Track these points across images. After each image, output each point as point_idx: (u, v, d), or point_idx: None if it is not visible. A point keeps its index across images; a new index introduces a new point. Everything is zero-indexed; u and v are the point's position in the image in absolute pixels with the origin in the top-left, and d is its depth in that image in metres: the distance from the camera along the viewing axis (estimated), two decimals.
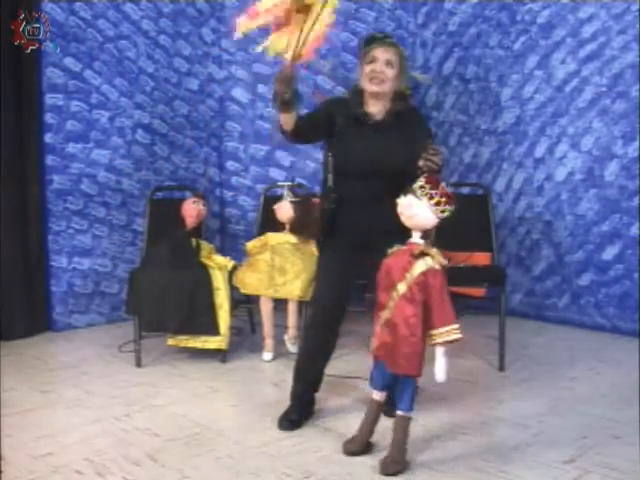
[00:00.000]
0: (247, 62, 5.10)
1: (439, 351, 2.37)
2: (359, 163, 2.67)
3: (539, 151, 4.60)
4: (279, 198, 3.94)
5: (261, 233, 4.06)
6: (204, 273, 3.67)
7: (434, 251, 2.36)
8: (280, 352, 3.82)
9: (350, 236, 2.70)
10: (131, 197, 4.67)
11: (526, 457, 2.50)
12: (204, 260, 3.81)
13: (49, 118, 4.29)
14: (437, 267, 2.35)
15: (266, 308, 3.81)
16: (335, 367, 3.48)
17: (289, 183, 4.16)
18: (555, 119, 4.49)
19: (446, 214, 2.34)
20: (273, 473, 2.39)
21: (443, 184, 2.35)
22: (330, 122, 2.76)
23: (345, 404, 3.07)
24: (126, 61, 4.61)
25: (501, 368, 3.53)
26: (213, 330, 3.61)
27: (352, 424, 2.81)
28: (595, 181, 4.32)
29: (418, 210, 2.33)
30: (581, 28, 4.33)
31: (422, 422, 2.83)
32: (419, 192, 2.32)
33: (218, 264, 3.78)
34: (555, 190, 4.52)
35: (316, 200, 4.44)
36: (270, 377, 3.54)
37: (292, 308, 3.79)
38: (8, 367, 3.58)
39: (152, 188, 4.35)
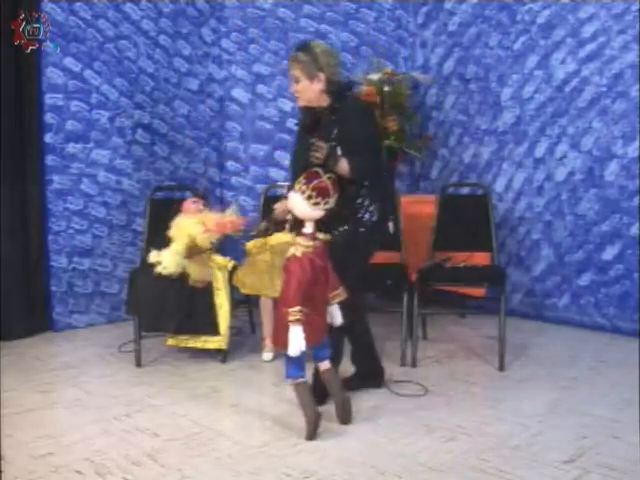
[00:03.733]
0: (247, 62, 5.10)
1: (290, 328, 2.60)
2: (297, 169, 2.95)
3: (539, 151, 4.60)
4: (279, 198, 3.94)
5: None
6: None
7: (301, 240, 2.67)
8: (280, 352, 3.81)
9: None
10: (131, 197, 4.67)
11: (526, 457, 2.50)
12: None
13: (49, 118, 4.29)
14: (298, 254, 2.65)
15: (266, 308, 3.81)
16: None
17: (289, 183, 4.14)
18: (555, 119, 4.49)
19: (322, 206, 2.63)
20: (273, 473, 2.39)
21: (324, 178, 2.62)
22: None
23: None
24: (126, 61, 4.61)
25: (501, 368, 3.53)
26: (213, 330, 3.60)
27: (352, 423, 2.82)
28: (595, 181, 4.32)
29: (294, 203, 2.68)
30: (581, 28, 4.33)
31: (423, 422, 2.83)
32: (296, 187, 2.65)
33: (218, 264, 3.78)
34: (555, 190, 4.52)
35: None
36: (270, 377, 3.54)
37: None
38: (8, 367, 3.58)
39: (152, 188, 4.36)
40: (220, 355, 3.69)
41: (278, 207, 3.25)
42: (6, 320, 4.10)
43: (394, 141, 4.88)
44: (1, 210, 4.08)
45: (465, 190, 4.57)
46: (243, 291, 3.84)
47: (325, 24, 5.17)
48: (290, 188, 3.19)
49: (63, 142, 4.36)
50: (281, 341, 2.67)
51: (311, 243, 2.67)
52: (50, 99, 4.28)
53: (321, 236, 2.71)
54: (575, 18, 4.35)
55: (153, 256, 3.42)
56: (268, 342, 3.79)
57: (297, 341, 2.58)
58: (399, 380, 3.33)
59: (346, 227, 2.89)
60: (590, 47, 4.29)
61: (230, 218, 3.62)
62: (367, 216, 2.92)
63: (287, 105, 5.17)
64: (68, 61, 4.34)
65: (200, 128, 5.03)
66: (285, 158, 5.17)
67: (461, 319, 4.63)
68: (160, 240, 3.81)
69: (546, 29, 4.50)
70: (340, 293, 2.76)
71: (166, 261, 3.39)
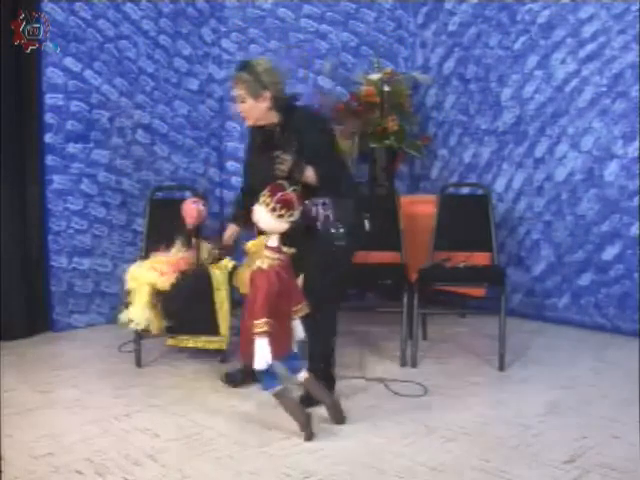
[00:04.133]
0: None
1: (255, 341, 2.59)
2: (254, 184, 2.98)
3: (539, 151, 4.60)
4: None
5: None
6: (204, 273, 3.66)
7: (268, 253, 2.68)
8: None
9: None
10: (131, 197, 4.67)
11: (526, 457, 2.50)
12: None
13: (49, 118, 4.29)
14: (264, 267, 2.67)
15: None
16: (334, 367, 3.48)
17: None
18: (555, 119, 4.49)
19: (286, 219, 2.65)
20: (273, 473, 2.39)
21: (289, 190, 2.64)
22: None
23: (344, 404, 3.06)
24: (126, 61, 4.61)
25: (501, 368, 3.53)
26: (213, 330, 3.60)
27: (352, 423, 2.82)
28: (595, 181, 4.32)
29: (259, 216, 2.69)
30: (581, 28, 4.33)
31: (423, 422, 2.83)
32: (260, 200, 2.67)
33: (218, 264, 3.78)
34: (555, 190, 4.52)
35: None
36: None
37: None
38: (8, 367, 3.57)
39: (152, 188, 4.36)
40: (220, 355, 3.69)
41: (225, 232, 3.35)
42: (6, 320, 4.10)
43: (394, 141, 4.88)
44: (1, 210, 4.08)
45: (465, 190, 4.58)
46: (243, 291, 3.85)
47: (325, 24, 5.17)
48: (232, 219, 3.33)
49: (63, 142, 4.35)
50: (248, 354, 2.66)
51: (277, 256, 2.70)
52: (50, 99, 4.28)
53: (285, 249, 2.74)
54: (575, 18, 4.35)
55: (123, 316, 3.39)
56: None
57: (263, 354, 2.57)
58: (399, 380, 3.33)
59: (335, 230, 2.95)
60: (590, 47, 4.29)
61: (180, 255, 3.55)
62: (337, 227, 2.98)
63: None
64: (68, 61, 4.33)
65: (200, 128, 5.03)
66: None
67: (461, 319, 4.63)
68: (159, 240, 3.82)
69: (546, 29, 4.50)
70: (303, 307, 2.80)
71: (137, 318, 3.38)
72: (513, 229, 4.75)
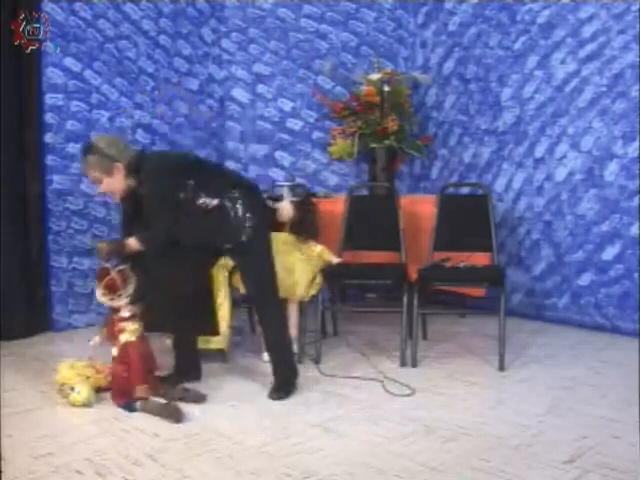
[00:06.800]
0: (247, 62, 5.10)
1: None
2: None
3: (539, 151, 4.60)
4: (279, 198, 3.94)
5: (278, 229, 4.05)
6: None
7: (128, 326, 2.90)
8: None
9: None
10: None
11: (526, 457, 2.50)
12: None
13: (49, 118, 4.29)
14: (134, 339, 2.92)
15: None
16: (334, 367, 3.49)
17: (289, 183, 4.15)
18: (555, 119, 4.49)
19: (118, 299, 2.86)
20: (273, 473, 2.39)
21: (113, 273, 2.86)
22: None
23: (345, 403, 3.07)
24: (126, 61, 4.61)
25: (501, 368, 3.53)
26: (213, 330, 3.60)
27: (352, 423, 2.82)
28: (595, 181, 4.32)
29: (101, 300, 2.96)
30: (581, 28, 4.33)
31: (423, 422, 2.83)
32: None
33: (218, 264, 3.78)
34: (555, 190, 4.52)
35: (316, 200, 4.46)
36: (270, 377, 3.53)
37: (292, 308, 3.78)
38: (8, 367, 3.58)
39: None
40: (220, 355, 3.69)
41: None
42: (6, 320, 4.10)
43: (394, 141, 4.88)
44: (1, 210, 4.08)
45: (465, 190, 4.58)
46: (243, 291, 3.85)
47: (325, 24, 5.17)
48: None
49: (63, 142, 4.36)
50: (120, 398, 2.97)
51: (137, 326, 2.90)
52: (50, 99, 4.28)
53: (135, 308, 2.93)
54: (575, 18, 4.35)
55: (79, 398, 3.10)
56: None
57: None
58: (399, 380, 3.34)
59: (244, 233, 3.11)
60: (590, 47, 4.29)
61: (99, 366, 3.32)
62: (248, 220, 3.09)
63: (287, 105, 5.17)
64: (68, 61, 4.33)
65: (200, 128, 5.03)
66: (285, 158, 5.18)
67: (461, 319, 4.63)
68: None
69: (546, 29, 4.50)
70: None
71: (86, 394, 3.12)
72: (513, 229, 4.75)
